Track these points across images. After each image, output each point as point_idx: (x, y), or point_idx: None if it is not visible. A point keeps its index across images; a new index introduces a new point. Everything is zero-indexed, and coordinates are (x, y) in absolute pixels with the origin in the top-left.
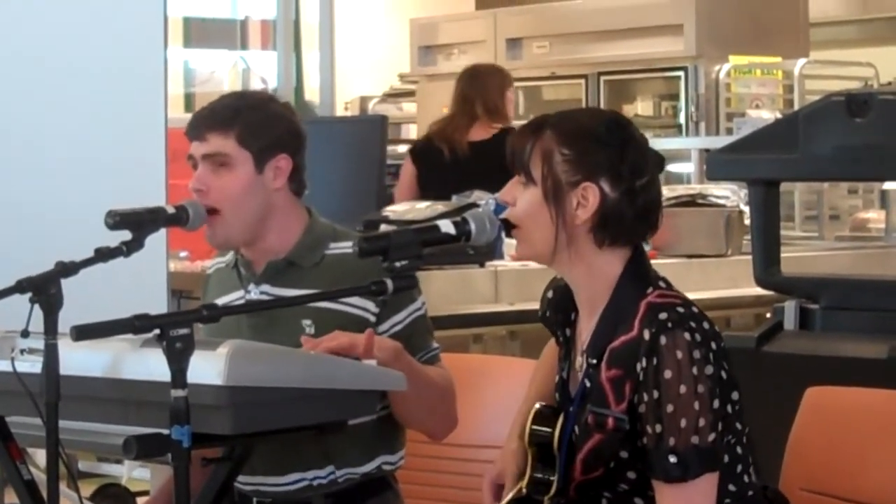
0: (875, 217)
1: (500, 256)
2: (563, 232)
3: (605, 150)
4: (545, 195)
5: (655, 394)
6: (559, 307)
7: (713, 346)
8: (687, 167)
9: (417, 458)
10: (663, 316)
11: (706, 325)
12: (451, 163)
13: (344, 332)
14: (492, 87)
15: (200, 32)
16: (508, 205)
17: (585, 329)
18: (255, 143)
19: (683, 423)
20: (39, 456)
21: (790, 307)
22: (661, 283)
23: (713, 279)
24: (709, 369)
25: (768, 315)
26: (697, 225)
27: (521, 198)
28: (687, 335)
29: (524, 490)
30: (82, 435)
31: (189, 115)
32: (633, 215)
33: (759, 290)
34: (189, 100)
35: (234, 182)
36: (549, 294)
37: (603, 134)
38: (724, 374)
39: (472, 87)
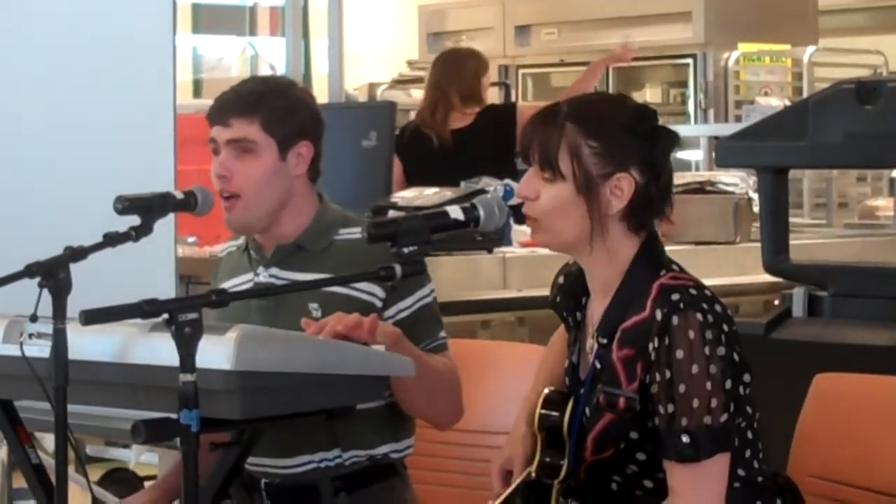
0: (884, 205)
1: (509, 243)
2: (597, 224)
3: (637, 140)
4: (578, 189)
5: (667, 374)
6: (570, 292)
7: (725, 328)
8: (696, 154)
9: (425, 443)
10: (675, 297)
11: (718, 308)
12: (438, 152)
13: (347, 313)
14: (468, 74)
15: (209, 18)
16: (529, 199)
17: (597, 311)
18: (280, 130)
19: (696, 402)
20: (48, 440)
21: (799, 294)
22: (674, 267)
23: (722, 266)
24: (721, 350)
25: (777, 302)
26: (706, 212)
27: (547, 192)
28: (699, 316)
29: (533, 474)
30: (90, 419)
31: (198, 102)
32: (658, 196)
33: (768, 277)
34: (198, 86)
35: (258, 168)
36: (560, 280)
37: (634, 125)
38: (735, 357)
39: (448, 75)
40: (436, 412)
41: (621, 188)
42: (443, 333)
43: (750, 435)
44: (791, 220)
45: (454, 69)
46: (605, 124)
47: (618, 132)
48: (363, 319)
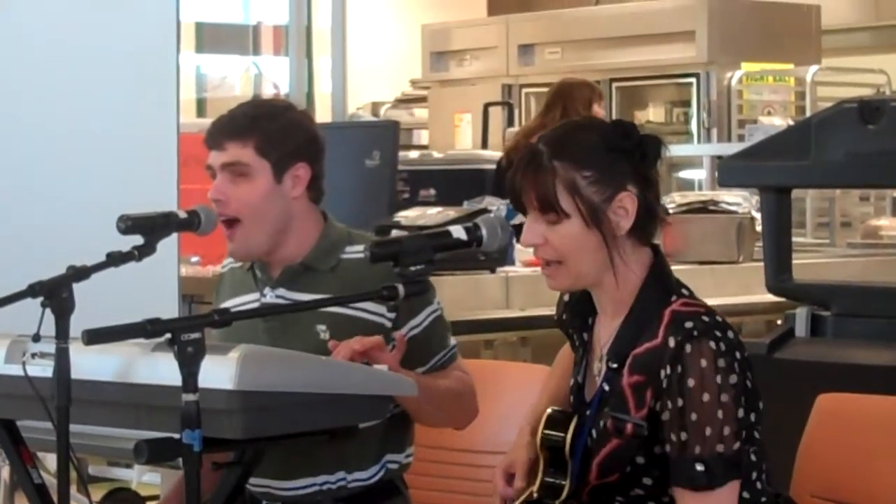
0: (887, 224)
1: (512, 262)
2: (613, 248)
3: (627, 157)
4: (586, 222)
5: (679, 402)
6: (576, 311)
7: (738, 355)
8: (699, 174)
9: (428, 463)
10: (689, 325)
11: (731, 335)
12: (496, 170)
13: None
14: (577, 98)
15: (213, 38)
16: (538, 245)
17: (605, 333)
18: (274, 153)
19: (708, 431)
20: (50, 460)
21: (801, 314)
22: (685, 291)
23: (725, 286)
24: (733, 378)
25: (779, 322)
26: (709, 231)
27: (555, 234)
28: (712, 344)
29: (535, 494)
30: (93, 439)
31: (201, 121)
32: (656, 201)
33: (771, 297)
34: (201, 105)
35: (253, 192)
36: (566, 297)
37: (620, 143)
38: (748, 384)
39: (557, 97)
40: (453, 422)
41: (625, 207)
42: (453, 341)
43: (754, 457)
44: (794, 239)
45: (565, 93)
46: (592, 151)
47: (607, 155)
48: (384, 346)
